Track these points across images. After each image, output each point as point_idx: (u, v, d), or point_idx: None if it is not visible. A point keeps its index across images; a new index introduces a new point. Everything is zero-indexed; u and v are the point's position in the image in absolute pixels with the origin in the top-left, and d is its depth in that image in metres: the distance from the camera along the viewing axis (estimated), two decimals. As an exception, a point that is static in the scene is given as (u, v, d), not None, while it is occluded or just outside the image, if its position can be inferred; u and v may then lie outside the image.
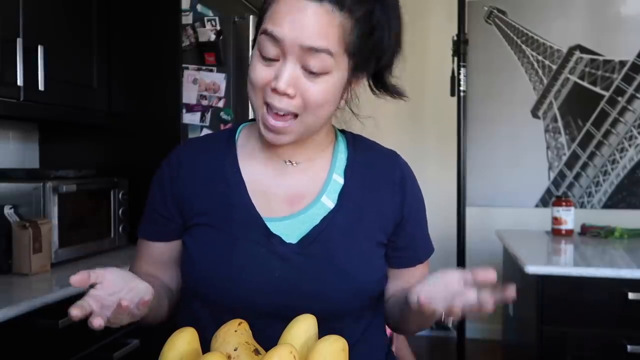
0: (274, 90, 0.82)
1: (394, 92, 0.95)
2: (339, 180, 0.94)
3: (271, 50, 0.82)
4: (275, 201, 0.92)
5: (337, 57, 0.83)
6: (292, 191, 0.93)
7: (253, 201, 0.91)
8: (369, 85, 0.94)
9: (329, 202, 0.92)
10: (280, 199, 0.93)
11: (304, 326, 0.76)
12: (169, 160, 0.99)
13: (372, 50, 0.87)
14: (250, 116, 2.51)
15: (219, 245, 0.90)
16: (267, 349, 0.72)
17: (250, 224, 0.90)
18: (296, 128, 0.86)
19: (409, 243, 0.97)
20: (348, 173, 0.95)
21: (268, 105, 0.84)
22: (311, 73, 0.82)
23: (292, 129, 0.86)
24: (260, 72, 0.84)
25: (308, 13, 0.80)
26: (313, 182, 0.94)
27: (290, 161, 0.95)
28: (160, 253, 0.99)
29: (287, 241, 0.89)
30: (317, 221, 0.90)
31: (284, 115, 0.84)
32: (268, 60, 0.83)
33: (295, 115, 0.85)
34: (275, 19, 0.81)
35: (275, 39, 0.81)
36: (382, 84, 0.94)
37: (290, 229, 0.90)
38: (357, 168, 0.96)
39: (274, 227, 0.90)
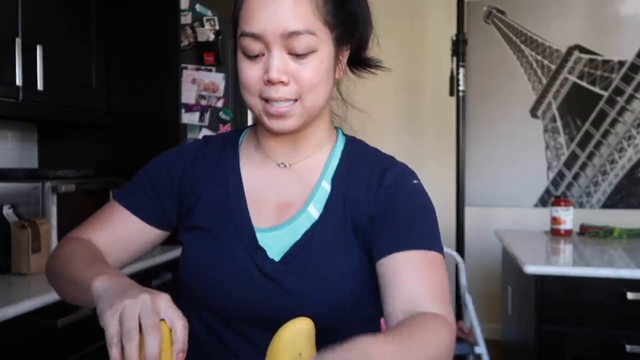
0: (268, 82, 0.83)
1: (374, 65, 0.96)
2: (326, 187, 0.93)
3: (254, 47, 0.83)
4: (266, 209, 0.92)
5: (318, 33, 0.84)
6: (282, 199, 0.93)
7: (249, 208, 0.91)
8: (350, 69, 0.94)
9: (314, 212, 0.91)
10: (271, 207, 0.92)
11: (298, 326, 0.75)
12: (185, 149, 0.98)
13: (349, 19, 0.88)
14: (249, 117, 2.53)
15: (211, 250, 0.90)
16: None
17: (241, 232, 0.90)
18: (299, 110, 0.86)
19: (380, 236, 0.87)
20: (335, 180, 0.93)
21: (266, 100, 0.85)
22: (298, 56, 0.83)
23: (295, 112, 0.86)
24: (249, 71, 0.85)
25: (278, 0, 0.81)
26: (303, 188, 0.93)
27: (283, 163, 0.94)
28: (128, 228, 0.94)
29: (270, 257, 0.88)
30: (299, 235, 0.89)
31: (284, 102, 0.85)
32: (254, 58, 0.85)
33: (295, 100, 0.85)
34: (249, 17, 0.83)
35: (255, 37, 0.83)
36: (360, 61, 0.95)
37: (275, 240, 0.90)
38: (343, 175, 0.93)
39: (262, 239, 0.89)
